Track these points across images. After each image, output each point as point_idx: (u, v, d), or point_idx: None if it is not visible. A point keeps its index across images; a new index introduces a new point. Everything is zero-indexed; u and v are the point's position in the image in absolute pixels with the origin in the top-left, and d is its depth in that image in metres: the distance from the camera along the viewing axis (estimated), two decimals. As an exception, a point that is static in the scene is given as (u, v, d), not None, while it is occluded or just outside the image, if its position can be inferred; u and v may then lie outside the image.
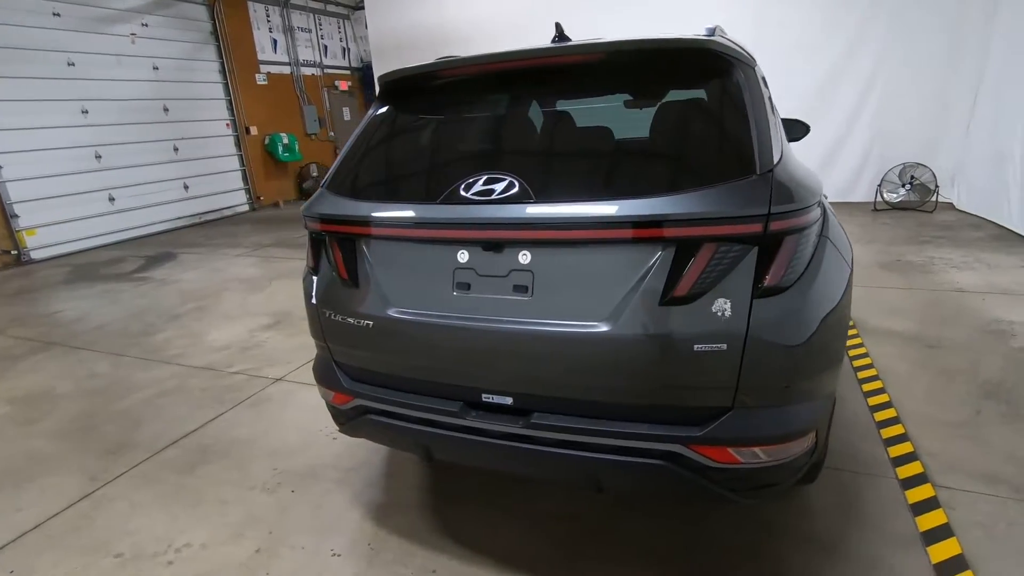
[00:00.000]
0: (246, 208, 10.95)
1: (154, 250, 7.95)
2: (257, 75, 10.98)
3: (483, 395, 1.69)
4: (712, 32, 1.83)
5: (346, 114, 13.44)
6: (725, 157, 1.47)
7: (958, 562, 1.91)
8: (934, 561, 1.93)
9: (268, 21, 11.27)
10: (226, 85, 10.41)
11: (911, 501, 2.21)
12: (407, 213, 1.70)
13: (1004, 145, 5.97)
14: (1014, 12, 5.99)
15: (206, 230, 9.35)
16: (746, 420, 1.48)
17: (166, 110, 9.43)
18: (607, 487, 1.70)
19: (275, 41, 11.45)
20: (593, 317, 1.51)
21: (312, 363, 2.21)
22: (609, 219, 1.45)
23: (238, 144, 10.73)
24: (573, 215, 1.48)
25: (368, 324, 1.77)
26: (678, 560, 2.01)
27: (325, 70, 12.74)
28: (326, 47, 12.79)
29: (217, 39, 10.22)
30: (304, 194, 11.97)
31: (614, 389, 1.55)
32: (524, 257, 1.56)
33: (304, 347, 4.11)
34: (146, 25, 9.11)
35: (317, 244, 1.94)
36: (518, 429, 1.62)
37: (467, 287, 1.64)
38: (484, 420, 1.69)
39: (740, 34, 2.85)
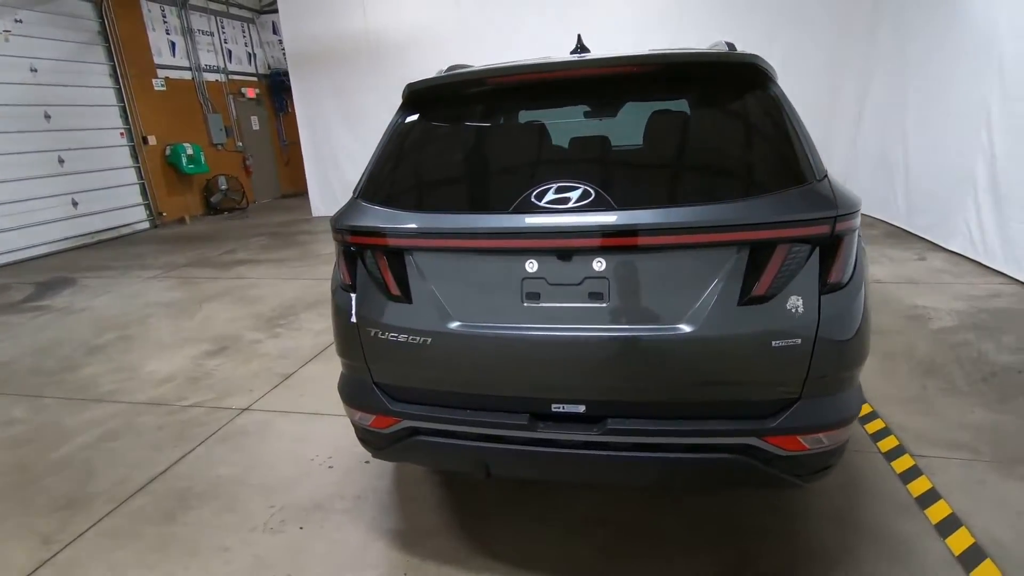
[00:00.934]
0: (146, 225, 9.96)
1: (44, 275, 7.00)
2: (154, 80, 10.06)
3: (553, 405, 1.68)
4: (732, 47, 1.95)
5: (255, 123, 12.67)
6: (786, 164, 1.58)
7: (953, 520, 2.16)
8: (934, 522, 2.16)
9: (165, 22, 10.38)
10: (119, 90, 9.45)
11: (898, 471, 2.47)
12: (475, 223, 1.65)
13: (890, 153, 6.84)
14: (891, 35, 6.89)
15: (104, 251, 8.39)
16: (812, 409, 1.58)
17: (48, 117, 8.38)
18: (679, 485, 1.74)
19: (173, 44, 10.56)
20: (673, 320, 1.55)
21: (338, 384, 2.06)
22: (692, 225, 1.50)
23: (135, 155, 9.75)
24: (657, 222, 1.51)
25: (425, 340, 1.69)
26: (720, 546, 2.10)
27: (230, 76, 11.94)
28: (230, 52, 11.99)
29: (106, 39, 9.24)
30: (213, 209, 11.11)
31: (693, 388, 1.60)
32: (599, 264, 1.57)
33: (262, 373, 3.82)
34: (20, 21, 8.05)
35: (352, 258, 1.83)
36: (595, 437, 1.62)
37: (537, 296, 1.62)
38: (556, 431, 1.67)
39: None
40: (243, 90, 12.21)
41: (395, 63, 9.17)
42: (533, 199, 1.59)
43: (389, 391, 1.86)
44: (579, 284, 1.58)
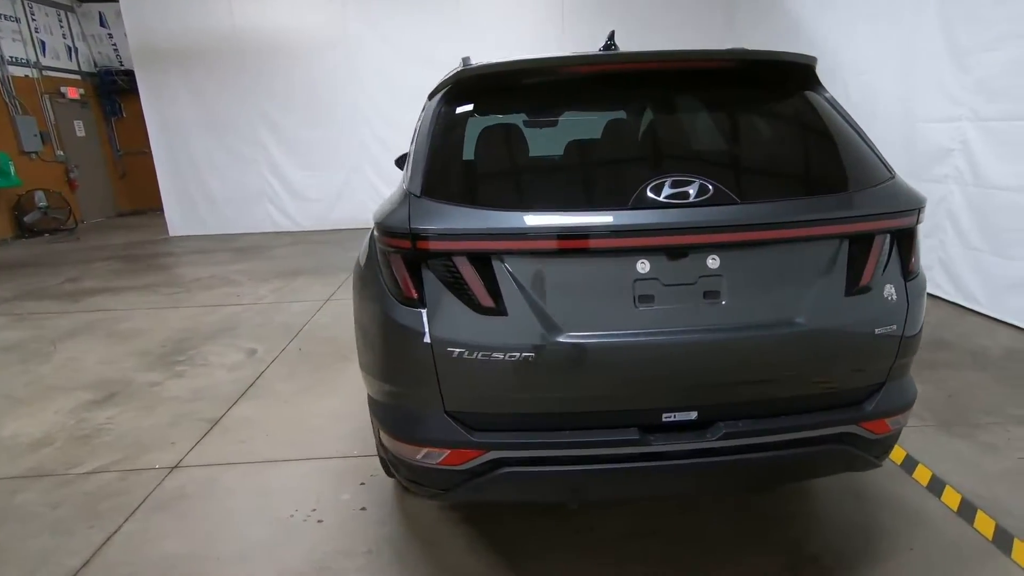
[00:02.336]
0: (-66, 252, 7.87)
1: None
2: (-61, 71, 8.05)
3: (664, 415, 1.56)
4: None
5: (79, 128, 10.72)
6: (870, 160, 1.65)
7: (937, 481, 2.43)
8: (924, 484, 2.42)
9: (-48, 1, 8.38)
10: None
11: (874, 444, 2.73)
12: (590, 221, 1.48)
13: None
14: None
15: None
16: (894, 392, 1.67)
17: None
18: (780, 482, 1.72)
19: (-35, 28, 8.56)
20: (786, 314, 1.54)
21: (380, 419, 1.72)
22: (807, 219, 1.50)
23: (-87, 164, 7.68)
24: (776, 216, 1.49)
25: (527, 357, 1.47)
26: (767, 539, 2.13)
27: (44, 72, 9.97)
28: (43, 43, 10.04)
29: None
30: (28, 231, 9.13)
31: (806, 382, 1.59)
32: (713, 262, 1.50)
33: (180, 421, 3.15)
34: None
35: (415, 267, 1.55)
36: (711, 443, 1.54)
37: (651, 299, 1.50)
38: (669, 442, 1.55)
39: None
40: (63, 89, 10.27)
41: (268, 67, 8.40)
42: (650, 194, 1.48)
43: (467, 420, 1.60)
44: (694, 284, 1.50)
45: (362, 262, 1.87)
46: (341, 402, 3.28)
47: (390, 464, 1.86)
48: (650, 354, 1.51)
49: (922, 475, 2.48)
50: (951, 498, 2.32)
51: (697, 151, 1.75)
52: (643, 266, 1.49)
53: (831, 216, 1.53)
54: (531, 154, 1.75)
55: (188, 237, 8.82)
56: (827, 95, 1.77)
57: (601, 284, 1.52)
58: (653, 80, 1.78)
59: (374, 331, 1.65)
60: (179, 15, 8.14)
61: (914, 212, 1.59)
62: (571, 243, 1.48)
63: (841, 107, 1.75)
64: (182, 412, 3.27)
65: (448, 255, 1.52)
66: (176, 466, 2.74)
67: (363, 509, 2.37)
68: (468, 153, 1.70)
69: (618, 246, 1.50)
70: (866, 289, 1.57)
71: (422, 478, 1.70)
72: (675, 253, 1.51)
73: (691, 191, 1.48)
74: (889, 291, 1.58)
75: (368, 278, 1.74)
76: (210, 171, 8.72)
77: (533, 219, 1.48)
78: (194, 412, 3.25)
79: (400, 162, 4.48)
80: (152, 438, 2.99)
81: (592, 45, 8.44)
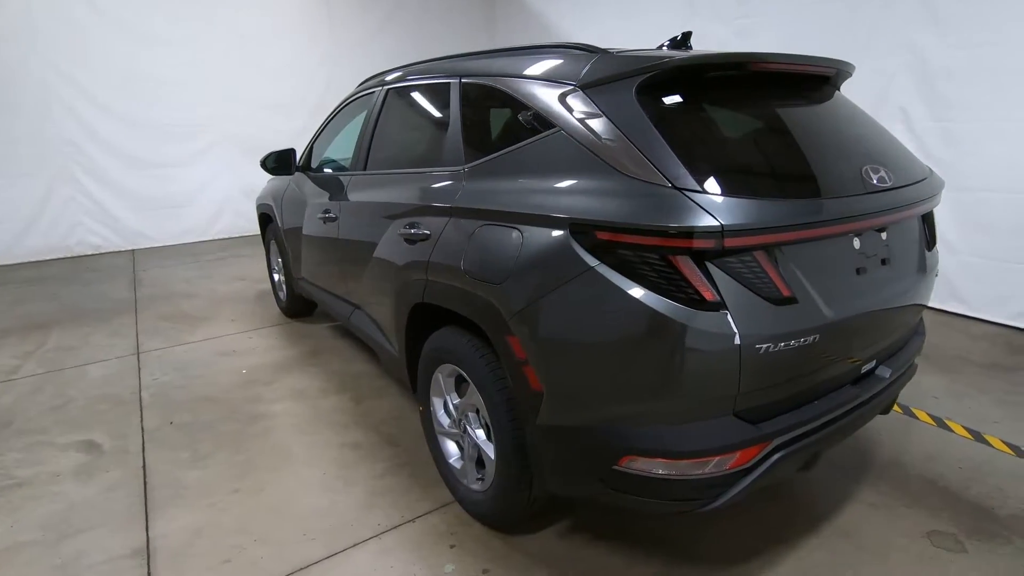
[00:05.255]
0: None
1: None
2: None
3: (863, 367, 1.82)
4: None
5: None
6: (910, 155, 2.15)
7: (940, 421, 2.98)
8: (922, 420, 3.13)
9: None
10: None
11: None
12: (847, 207, 1.60)
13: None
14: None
15: None
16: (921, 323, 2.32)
17: None
18: (891, 407, 2.18)
19: None
20: (922, 268, 2.00)
21: (652, 440, 1.53)
22: (925, 199, 1.91)
23: None
24: (917, 197, 1.86)
25: (813, 338, 1.51)
26: (815, 520, 2.20)
27: None
28: None
29: None
30: None
31: (916, 318, 2.10)
32: (884, 236, 1.80)
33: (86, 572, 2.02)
34: None
35: (702, 267, 1.42)
36: (887, 383, 1.89)
37: (864, 271, 1.72)
38: (869, 389, 1.83)
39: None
40: None
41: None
42: (868, 180, 1.68)
43: (749, 416, 1.54)
44: (876, 255, 1.77)
45: (548, 293, 1.61)
46: (309, 471, 2.57)
47: (629, 491, 1.63)
48: (871, 317, 1.76)
49: (922, 414, 3.14)
50: (959, 428, 2.82)
51: (860, 143, 1.98)
52: (856, 243, 1.70)
53: (930, 195, 1.98)
54: (770, 145, 1.76)
55: None
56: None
57: (841, 261, 1.66)
58: (806, 81, 1.98)
59: (650, 349, 1.45)
60: None
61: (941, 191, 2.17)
62: (838, 228, 1.59)
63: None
64: (73, 555, 2.08)
65: (748, 250, 1.45)
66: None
67: (485, 572, 1.98)
68: (723, 143, 1.64)
69: (857, 228, 1.67)
70: (933, 245, 2.12)
71: (694, 492, 1.57)
72: (878, 230, 1.77)
73: (886, 176, 1.75)
74: (936, 249, 2.16)
75: (595, 298, 1.52)
76: None
77: (814, 207, 1.54)
78: (92, 548, 2.11)
79: (271, 162, 3.64)
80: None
81: (363, 31, 8.27)
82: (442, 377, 2.25)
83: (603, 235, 1.51)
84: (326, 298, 3.53)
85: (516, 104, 1.94)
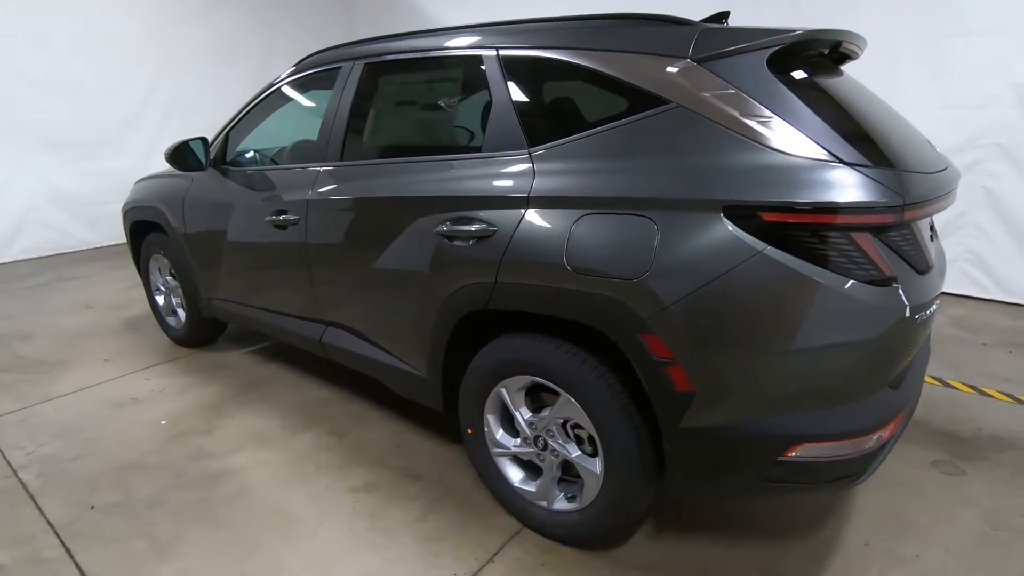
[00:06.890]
0: None
1: None
2: None
3: None
4: None
5: None
6: None
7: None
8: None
9: None
10: None
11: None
12: (939, 184, 1.61)
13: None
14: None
15: None
16: None
17: None
18: None
19: None
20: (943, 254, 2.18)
21: (827, 422, 1.48)
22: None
23: None
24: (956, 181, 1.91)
25: (935, 306, 1.60)
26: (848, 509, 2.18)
27: None
28: None
29: None
30: None
31: None
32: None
33: None
34: None
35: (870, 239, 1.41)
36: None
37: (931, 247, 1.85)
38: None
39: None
40: None
41: None
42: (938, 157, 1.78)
43: (893, 384, 1.59)
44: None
45: (712, 283, 1.46)
46: (328, 530, 2.11)
47: (785, 480, 1.57)
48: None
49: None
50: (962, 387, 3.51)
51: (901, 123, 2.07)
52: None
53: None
54: (875, 120, 1.73)
55: None
56: None
57: (925, 235, 1.77)
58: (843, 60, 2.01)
59: (839, 331, 1.42)
60: None
61: None
62: (946, 202, 1.68)
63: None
64: None
65: (909, 223, 1.47)
66: None
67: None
68: (851, 117, 1.57)
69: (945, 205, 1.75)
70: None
71: (856, 467, 1.57)
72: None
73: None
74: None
75: (768, 285, 1.42)
76: None
77: (936, 181, 1.58)
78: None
79: (174, 156, 2.87)
80: None
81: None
82: (507, 392, 1.98)
83: (770, 216, 1.42)
84: (269, 319, 2.92)
85: (602, 79, 1.75)
